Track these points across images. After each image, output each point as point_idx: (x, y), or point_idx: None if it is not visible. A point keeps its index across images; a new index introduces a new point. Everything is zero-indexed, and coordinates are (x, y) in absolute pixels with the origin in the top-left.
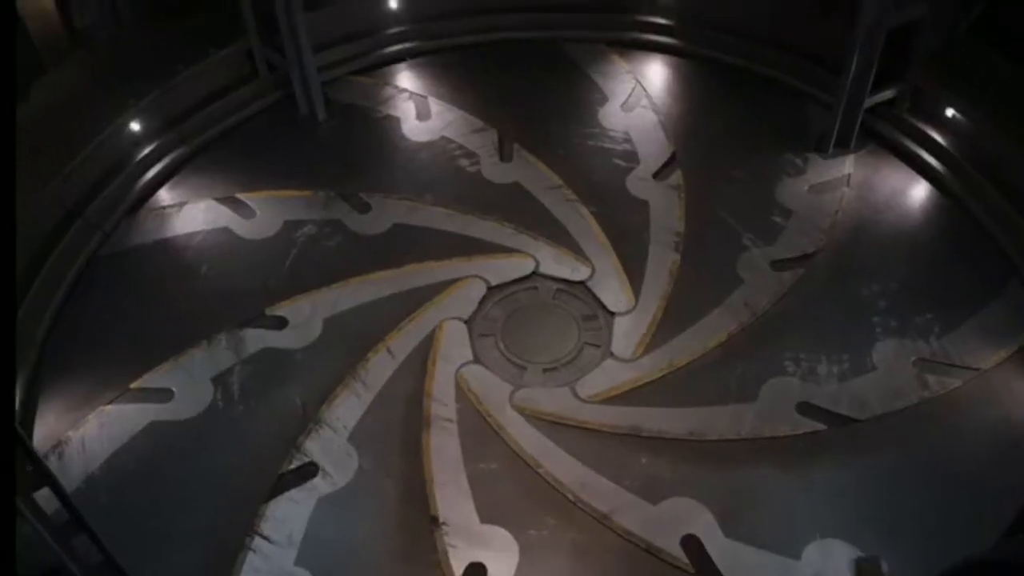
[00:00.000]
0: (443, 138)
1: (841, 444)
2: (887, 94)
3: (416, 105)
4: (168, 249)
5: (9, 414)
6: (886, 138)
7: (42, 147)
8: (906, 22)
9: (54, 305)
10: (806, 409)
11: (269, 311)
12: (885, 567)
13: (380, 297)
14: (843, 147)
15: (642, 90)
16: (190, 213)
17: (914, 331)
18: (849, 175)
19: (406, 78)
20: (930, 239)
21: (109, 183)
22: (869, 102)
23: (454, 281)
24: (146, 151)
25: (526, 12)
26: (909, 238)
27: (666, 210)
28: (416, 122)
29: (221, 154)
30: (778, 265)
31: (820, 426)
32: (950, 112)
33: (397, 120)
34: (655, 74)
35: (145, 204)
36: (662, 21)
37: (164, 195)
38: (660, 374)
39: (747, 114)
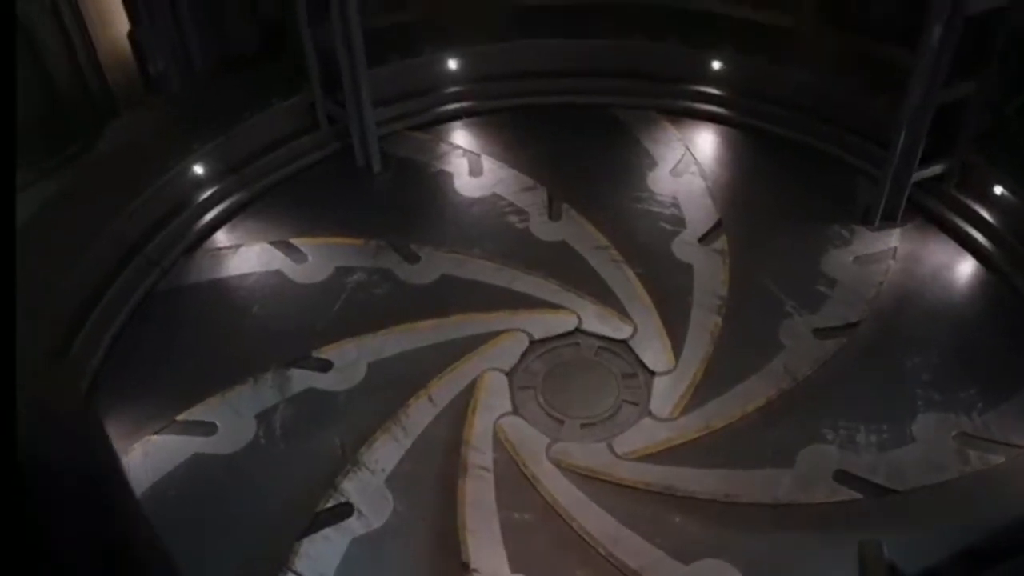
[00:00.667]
0: (494, 195)
1: (877, 514)
2: (935, 170)
3: (469, 162)
4: (222, 288)
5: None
6: (933, 213)
7: (110, 186)
8: (955, 100)
9: (109, 336)
10: (843, 477)
11: (315, 353)
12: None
13: (424, 345)
14: (890, 220)
15: (691, 157)
16: (245, 255)
17: (956, 405)
18: (895, 248)
19: (461, 136)
20: (975, 314)
21: (170, 223)
22: (916, 177)
23: (498, 333)
24: (207, 193)
25: (581, 77)
26: (954, 312)
27: (710, 274)
28: (469, 178)
29: (278, 200)
30: (821, 333)
31: (857, 495)
32: (998, 189)
33: (450, 176)
34: (705, 142)
35: (203, 244)
36: (714, 91)
37: (221, 237)
38: (697, 435)
39: (795, 185)
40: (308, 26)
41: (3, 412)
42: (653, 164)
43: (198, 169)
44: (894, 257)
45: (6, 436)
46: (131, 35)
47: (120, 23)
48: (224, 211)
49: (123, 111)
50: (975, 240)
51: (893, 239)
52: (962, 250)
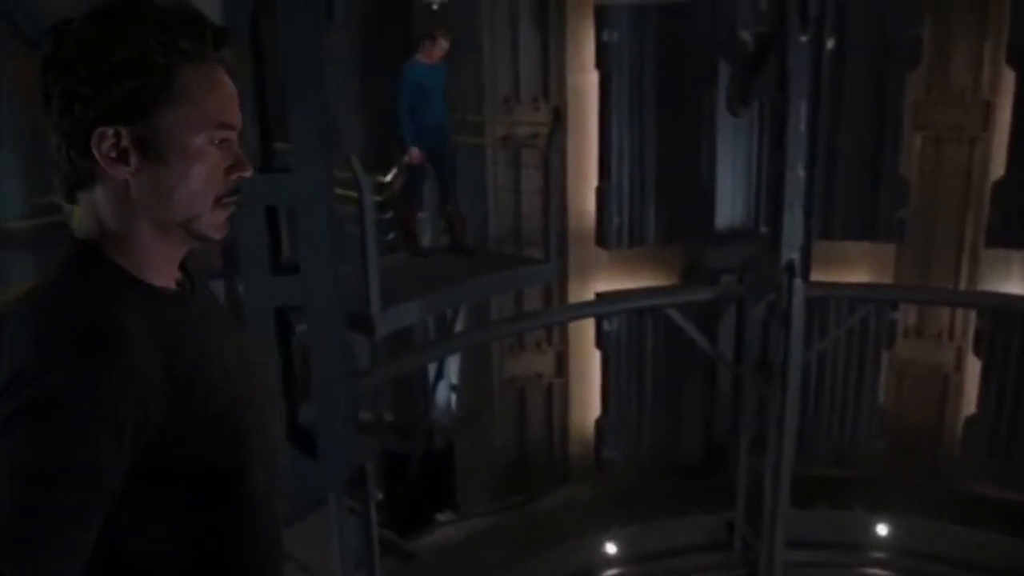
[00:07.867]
0: None
1: None
2: None
3: None
4: None
5: None
6: None
7: (534, 532)
8: None
9: None
10: None
11: None
12: None
13: None
14: None
15: None
16: None
17: None
18: None
19: None
20: None
21: None
22: None
23: None
24: (610, 573)
25: None
26: None
27: None
28: None
29: None
30: None
31: None
32: None
33: None
34: None
35: None
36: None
37: None
38: None
39: None
40: (748, 453)
41: None
42: None
43: (610, 548)
44: None
45: None
46: (597, 422)
47: (592, 409)
48: None
49: (572, 480)
50: None
51: None
52: None
